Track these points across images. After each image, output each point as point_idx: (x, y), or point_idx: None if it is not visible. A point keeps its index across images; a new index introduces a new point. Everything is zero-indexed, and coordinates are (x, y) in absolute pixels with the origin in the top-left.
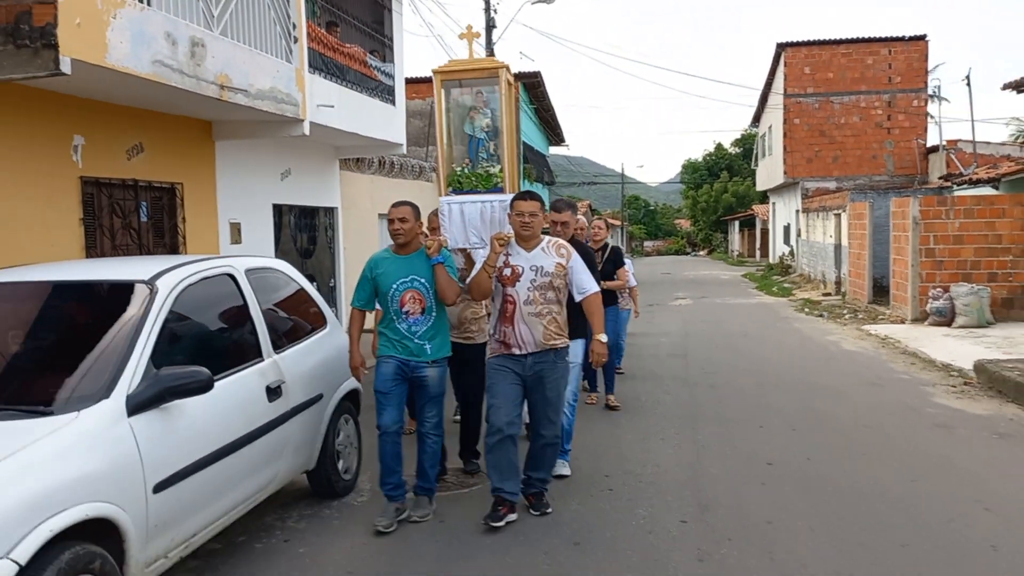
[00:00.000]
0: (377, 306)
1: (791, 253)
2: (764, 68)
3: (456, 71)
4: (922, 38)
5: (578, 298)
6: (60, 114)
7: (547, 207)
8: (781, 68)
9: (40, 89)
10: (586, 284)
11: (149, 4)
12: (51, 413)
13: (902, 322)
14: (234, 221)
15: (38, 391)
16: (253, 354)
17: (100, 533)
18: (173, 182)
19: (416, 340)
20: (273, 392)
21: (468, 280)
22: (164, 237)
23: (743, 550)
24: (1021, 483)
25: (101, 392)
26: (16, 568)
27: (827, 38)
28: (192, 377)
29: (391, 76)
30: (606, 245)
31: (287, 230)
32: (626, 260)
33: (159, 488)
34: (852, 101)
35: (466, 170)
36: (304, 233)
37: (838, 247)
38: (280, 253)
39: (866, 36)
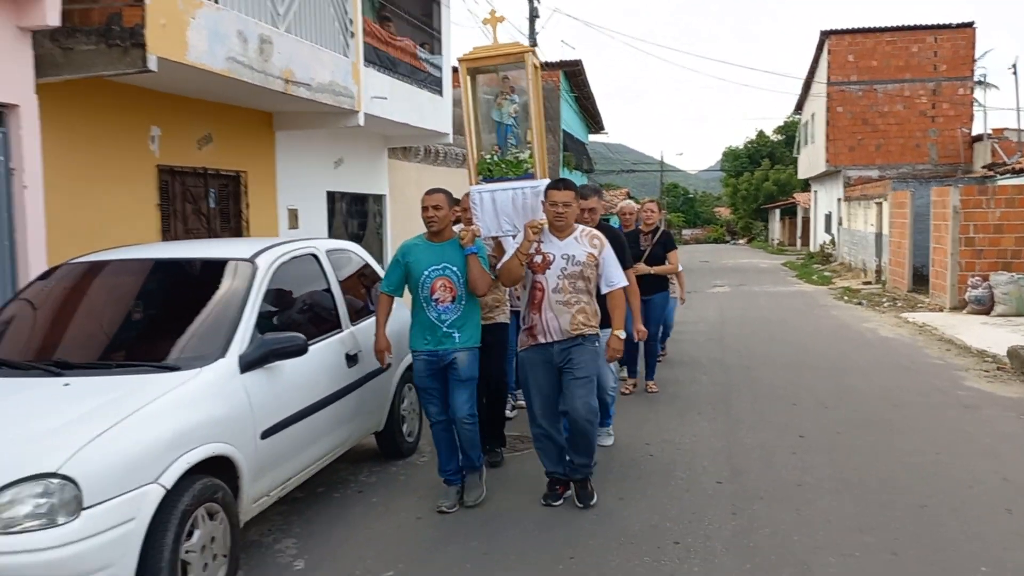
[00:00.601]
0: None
1: (832, 242)
2: (807, 57)
3: (481, 58)
4: (969, 25)
5: (604, 290)
6: (139, 107)
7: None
8: (824, 56)
9: (122, 84)
10: (614, 277)
11: (216, 1)
12: (178, 369)
13: (941, 310)
14: (292, 207)
15: (166, 351)
16: (334, 324)
17: (221, 470)
18: (238, 170)
19: (445, 328)
20: (351, 359)
21: (499, 266)
22: (230, 222)
23: (772, 507)
24: None
25: (218, 352)
26: (163, 491)
27: (872, 26)
28: (292, 341)
29: (439, 67)
30: (657, 228)
31: (339, 216)
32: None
33: (265, 435)
34: (896, 89)
35: (495, 157)
36: (355, 219)
37: (879, 236)
38: (332, 238)
39: (912, 24)
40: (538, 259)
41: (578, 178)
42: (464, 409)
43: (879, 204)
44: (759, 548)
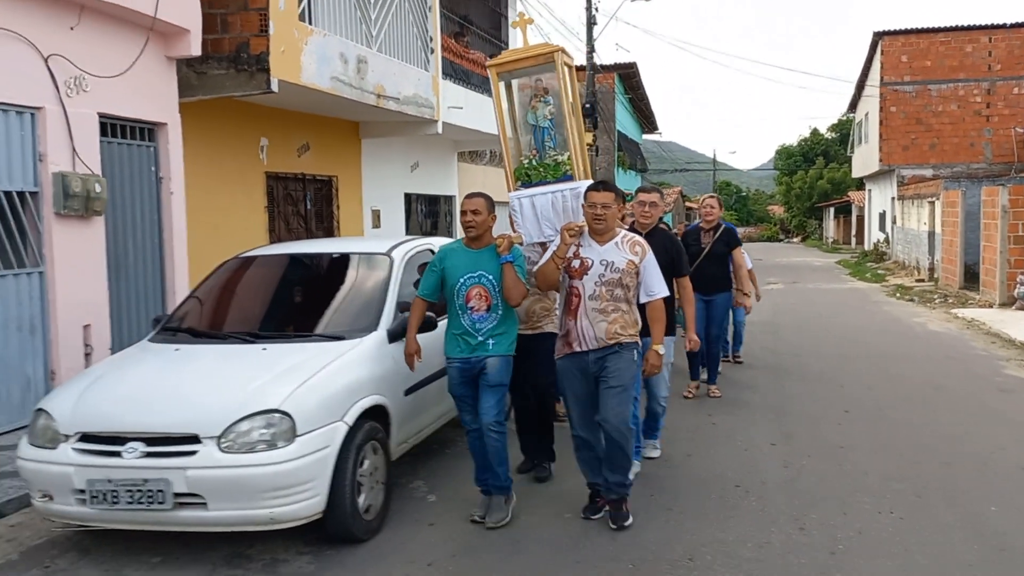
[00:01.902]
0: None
1: (886, 240)
2: (860, 56)
3: (510, 61)
4: None
5: (643, 299)
6: (251, 120)
7: (631, 195)
8: (878, 57)
9: (239, 101)
10: (654, 287)
11: (310, 22)
12: (343, 339)
13: (990, 306)
14: (375, 208)
15: (332, 325)
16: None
17: (378, 416)
18: (330, 175)
19: (479, 337)
20: None
21: (535, 269)
22: (323, 222)
23: (818, 462)
24: None
25: (372, 326)
26: (346, 428)
27: (925, 26)
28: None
29: None
30: (719, 225)
31: (415, 216)
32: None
33: (407, 392)
34: (950, 89)
35: (533, 161)
36: (428, 219)
37: (932, 234)
38: (409, 235)
39: (965, 24)
40: (575, 264)
41: (632, 177)
42: (491, 414)
43: (932, 203)
44: (806, 490)
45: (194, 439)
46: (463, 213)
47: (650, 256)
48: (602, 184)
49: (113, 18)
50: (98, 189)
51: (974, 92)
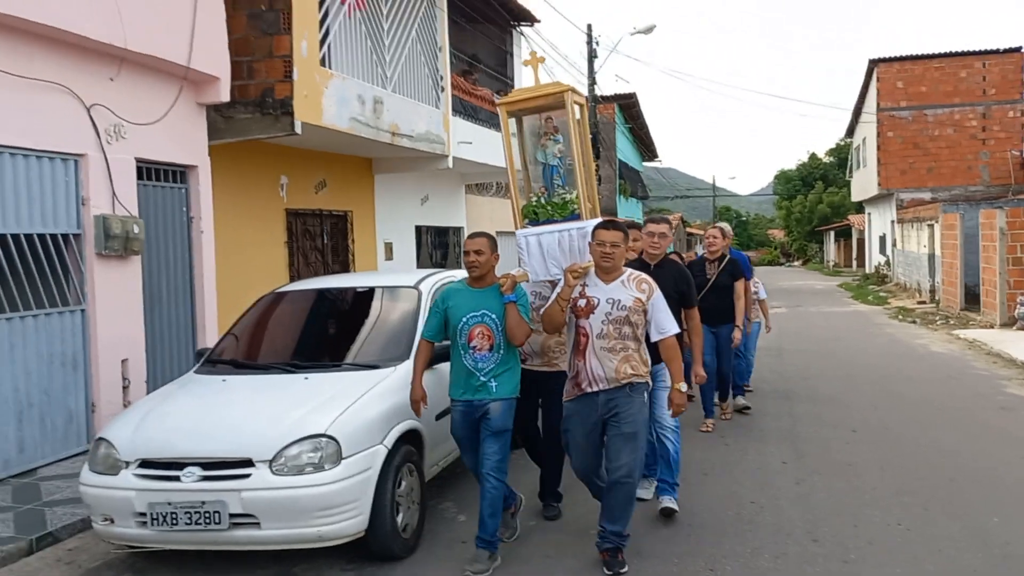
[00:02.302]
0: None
1: (887, 263)
2: (857, 82)
3: (520, 100)
4: (1017, 50)
5: (655, 338)
6: (272, 160)
7: (640, 222)
8: (874, 83)
9: (261, 141)
10: (665, 324)
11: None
12: (378, 367)
13: (991, 327)
14: (388, 241)
15: (367, 354)
16: None
17: (413, 440)
18: (346, 210)
19: (481, 377)
20: None
21: (541, 311)
22: (339, 255)
23: (829, 479)
24: None
25: (404, 355)
26: (386, 451)
27: (919, 53)
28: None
29: None
30: (724, 255)
31: (425, 247)
32: (755, 279)
33: (438, 417)
34: (946, 114)
35: (542, 199)
36: (438, 250)
37: (932, 256)
38: (419, 266)
39: (959, 50)
40: (582, 303)
41: (633, 205)
42: (491, 461)
43: (931, 226)
44: (817, 505)
45: (248, 463)
46: (466, 253)
47: (657, 293)
48: (611, 223)
49: (150, 68)
50: (136, 230)
51: (969, 116)
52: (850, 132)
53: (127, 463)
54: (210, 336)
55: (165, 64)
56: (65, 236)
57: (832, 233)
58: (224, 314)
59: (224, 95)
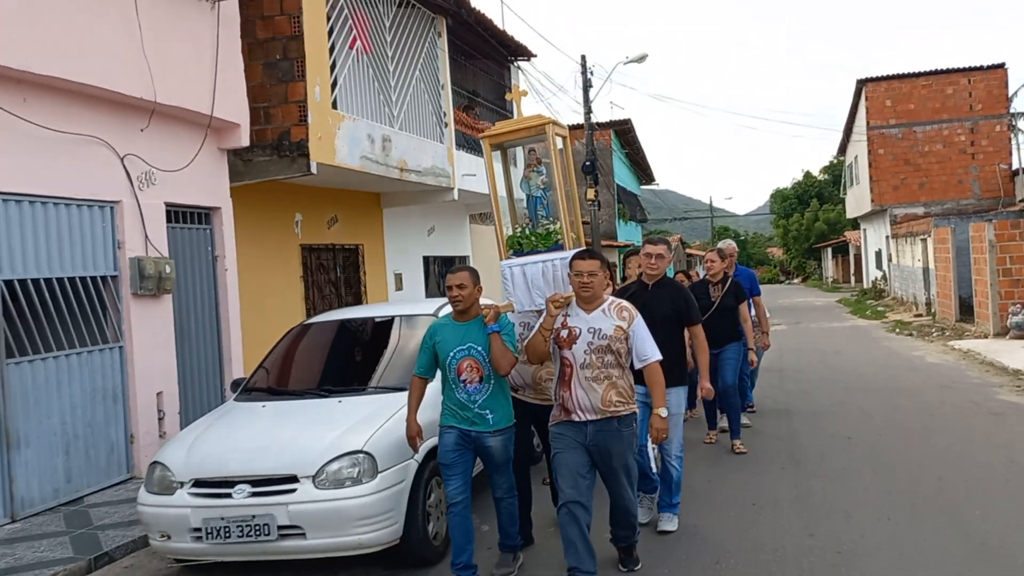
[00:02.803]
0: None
1: (883, 277)
2: (847, 101)
3: (503, 133)
4: (1001, 66)
5: (637, 365)
6: (287, 198)
7: (636, 245)
8: (863, 102)
9: (277, 182)
10: (647, 351)
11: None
12: (404, 389)
13: (985, 337)
14: (397, 272)
15: (392, 378)
16: None
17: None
18: (357, 243)
19: (476, 409)
20: None
21: (524, 343)
22: (352, 287)
23: (824, 482)
24: None
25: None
26: (417, 464)
27: (906, 72)
28: None
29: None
30: (726, 277)
31: (432, 277)
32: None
33: None
34: (935, 130)
35: (526, 230)
36: (444, 279)
37: (926, 270)
38: (428, 295)
39: (945, 68)
40: (564, 334)
41: (632, 228)
42: (502, 488)
43: (924, 240)
44: (813, 505)
45: (293, 479)
46: (449, 288)
47: (639, 320)
48: (587, 252)
49: (177, 119)
50: (168, 270)
51: (958, 131)
52: (842, 150)
53: (181, 483)
54: (236, 367)
55: (190, 114)
56: (103, 278)
57: (829, 250)
58: (247, 347)
59: (244, 140)
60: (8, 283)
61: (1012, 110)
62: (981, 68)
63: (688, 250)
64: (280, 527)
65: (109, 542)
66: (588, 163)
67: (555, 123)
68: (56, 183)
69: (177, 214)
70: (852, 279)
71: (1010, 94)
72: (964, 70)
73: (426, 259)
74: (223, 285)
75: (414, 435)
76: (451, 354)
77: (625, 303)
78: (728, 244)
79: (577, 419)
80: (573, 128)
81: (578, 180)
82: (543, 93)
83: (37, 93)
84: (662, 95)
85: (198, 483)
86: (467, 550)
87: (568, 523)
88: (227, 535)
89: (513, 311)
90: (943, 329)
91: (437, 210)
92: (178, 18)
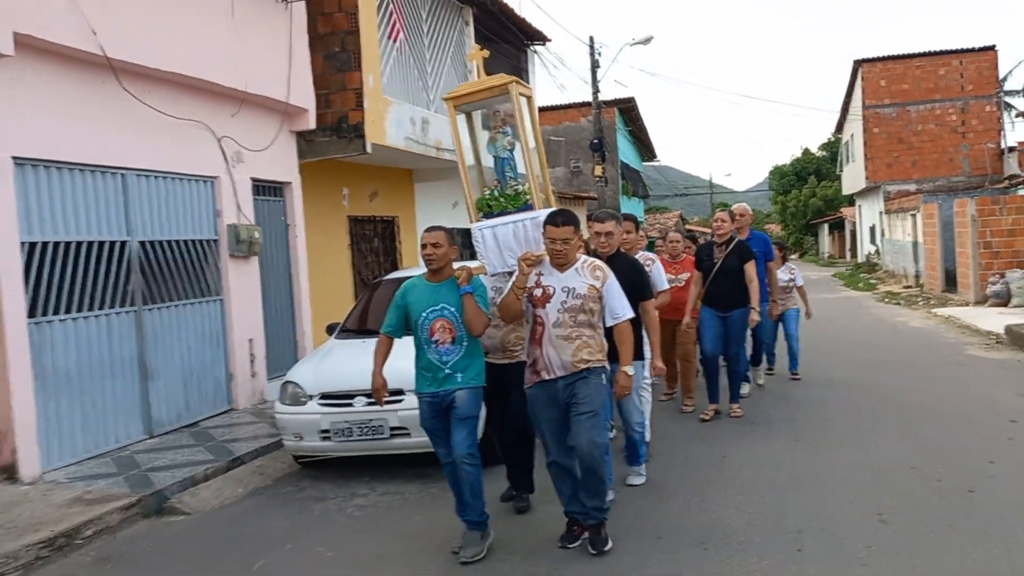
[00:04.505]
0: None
1: (877, 252)
2: (844, 81)
3: (466, 94)
4: (991, 48)
5: (609, 323)
6: (337, 175)
7: (642, 219)
8: (859, 82)
9: (330, 160)
10: (618, 309)
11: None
12: None
13: (966, 305)
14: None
15: None
16: None
17: None
18: (393, 216)
19: (447, 370)
20: None
21: (498, 302)
22: (389, 255)
23: (806, 413)
24: (1005, 390)
25: None
26: None
27: (901, 53)
28: None
29: None
30: (732, 238)
31: (456, 247)
32: (790, 266)
33: None
34: (927, 109)
35: (494, 192)
36: (466, 248)
37: (915, 244)
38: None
39: (938, 49)
40: (538, 292)
41: (636, 204)
42: (463, 447)
43: (913, 216)
44: (798, 423)
45: (400, 392)
46: (423, 247)
47: (611, 279)
48: (560, 217)
49: (259, 105)
50: (256, 235)
51: (950, 111)
52: (839, 128)
53: (311, 397)
54: (305, 319)
55: (270, 101)
56: (207, 241)
57: (826, 226)
58: (316, 303)
59: (311, 123)
60: (142, 244)
61: (1003, 90)
62: (973, 50)
63: (688, 226)
64: (391, 428)
65: (237, 450)
66: (596, 140)
67: (518, 82)
68: (172, 161)
69: (259, 188)
70: (848, 254)
71: (1001, 76)
72: (957, 52)
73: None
74: (294, 249)
75: (379, 387)
76: (423, 314)
77: (599, 262)
78: (741, 206)
79: (548, 377)
80: (581, 106)
81: (586, 158)
82: (559, 77)
83: (157, 86)
84: (667, 77)
85: (325, 396)
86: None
87: (557, 477)
88: (349, 435)
89: (486, 273)
90: (928, 299)
91: (459, 185)
92: (261, 18)
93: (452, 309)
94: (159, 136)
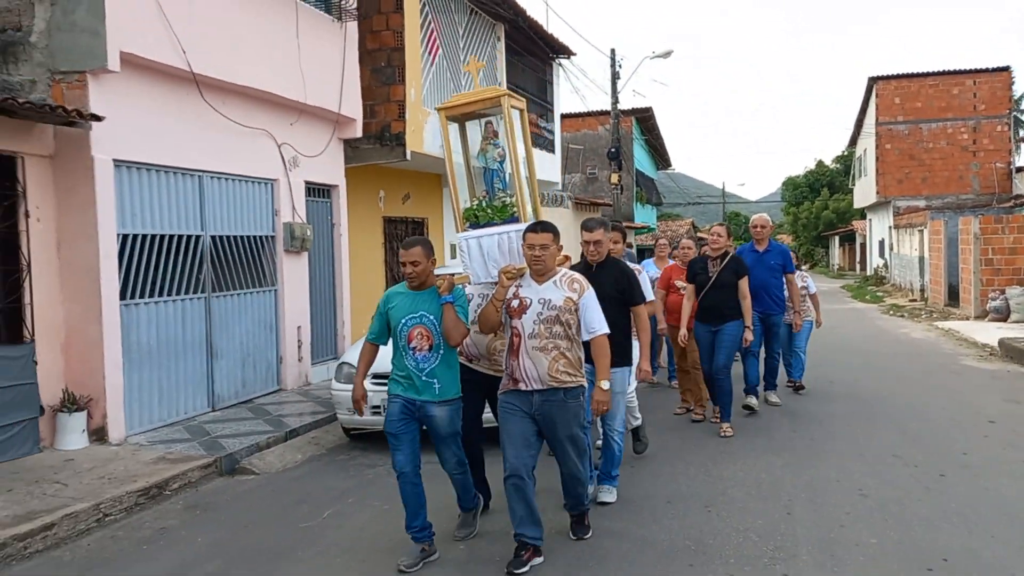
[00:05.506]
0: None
1: (885, 265)
2: (859, 96)
3: (459, 105)
4: (1005, 69)
5: (584, 337)
6: (374, 178)
7: (651, 226)
8: (873, 99)
9: (371, 165)
10: (594, 324)
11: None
12: None
13: (967, 319)
14: (453, 243)
15: None
16: None
17: None
18: (423, 217)
19: (424, 377)
20: None
21: (478, 313)
22: None
23: (805, 409)
24: (991, 396)
25: None
26: None
27: (915, 71)
28: None
29: (552, 132)
30: (726, 253)
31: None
32: (803, 274)
33: None
34: (939, 127)
35: (483, 203)
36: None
37: (921, 259)
38: None
39: (952, 68)
40: (515, 304)
41: (649, 211)
42: (451, 463)
43: (921, 231)
44: (796, 412)
45: None
46: (403, 265)
47: (589, 293)
48: (540, 225)
49: (314, 115)
50: (308, 233)
51: (961, 130)
52: (853, 143)
53: None
54: (346, 311)
55: (324, 111)
56: (266, 237)
57: (837, 238)
58: (356, 297)
59: (358, 132)
60: (213, 238)
61: (1015, 110)
62: (987, 70)
63: (700, 234)
64: None
65: (291, 423)
66: (613, 149)
67: (510, 95)
68: (240, 164)
69: (310, 189)
70: (857, 267)
71: (1015, 96)
72: (970, 72)
73: None
74: (338, 247)
75: (359, 397)
76: (402, 321)
77: (577, 275)
78: (762, 217)
79: (524, 388)
80: (599, 115)
81: (602, 165)
82: (580, 89)
83: (231, 97)
84: (686, 91)
85: (375, 376)
86: (420, 515)
87: (512, 495)
88: None
89: (469, 283)
90: (931, 312)
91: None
92: (319, 36)
93: (431, 317)
94: (230, 142)
